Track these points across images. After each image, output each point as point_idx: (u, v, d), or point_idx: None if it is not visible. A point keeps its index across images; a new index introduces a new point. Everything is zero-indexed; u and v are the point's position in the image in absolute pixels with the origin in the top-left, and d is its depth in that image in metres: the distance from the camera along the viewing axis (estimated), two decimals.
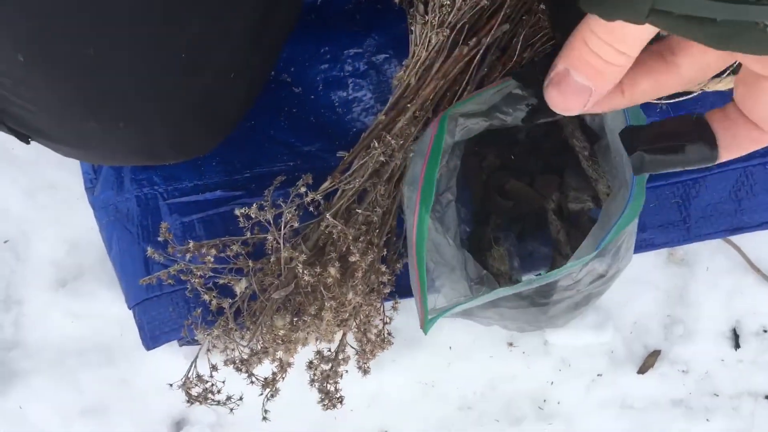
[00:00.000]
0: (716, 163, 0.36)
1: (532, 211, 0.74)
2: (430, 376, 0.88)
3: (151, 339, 0.81)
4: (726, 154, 0.35)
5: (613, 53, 0.31)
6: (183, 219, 0.81)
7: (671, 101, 0.75)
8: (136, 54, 0.57)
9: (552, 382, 0.88)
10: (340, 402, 0.65)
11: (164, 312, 0.80)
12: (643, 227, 0.79)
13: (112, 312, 0.87)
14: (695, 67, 0.34)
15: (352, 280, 0.63)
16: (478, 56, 0.75)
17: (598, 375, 0.87)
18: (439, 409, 0.88)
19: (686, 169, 0.36)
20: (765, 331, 0.86)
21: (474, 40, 0.74)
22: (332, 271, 0.63)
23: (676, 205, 0.79)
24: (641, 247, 0.80)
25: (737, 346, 0.86)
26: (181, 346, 0.82)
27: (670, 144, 0.35)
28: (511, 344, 0.87)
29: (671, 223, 0.79)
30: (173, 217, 0.81)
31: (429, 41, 0.73)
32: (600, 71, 0.32)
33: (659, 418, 0.87)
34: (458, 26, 0.73)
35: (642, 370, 0.87)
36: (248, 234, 0.71)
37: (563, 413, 0.88)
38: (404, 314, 0.86)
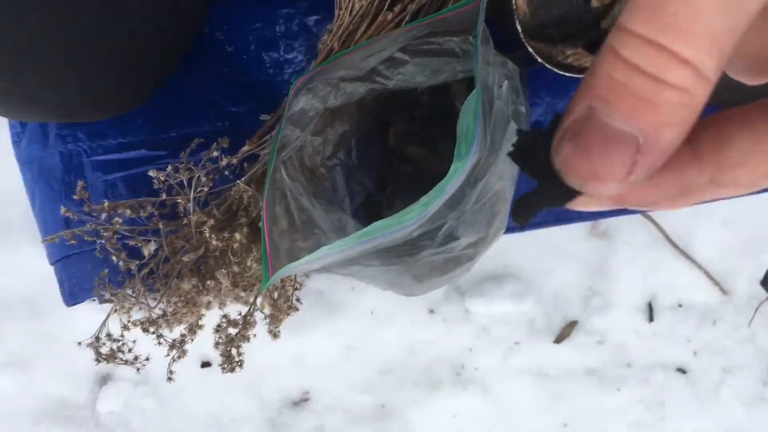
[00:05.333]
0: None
1: (434, 178, 0.75)
2: (351, 339, 0.90)
3: (71, 295, 0.81)
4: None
5: (674, 64, 0.17)
6: (106, 177, 0.80)
7: None
8: (45, 10, 0.56)
9: (471, 349, 0.89)
10: (240, 366, 0.66)
11: (83, 269, 0.80)
12: None
13: (37, 267, 0.87)
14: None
15: (257, 248, 0.63)
16: (404, 23, 0.74)
17: (515, 343, 0.89)
18: (360, 372, 0.90)
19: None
20: (680, 306, 0.88)
21: (399, 6, 0.73)
22: (238, 236, 0.63)
23: None
24: (558, 220, 0.81)
25: (651, 319, 0.88)
26: (101, 303, 0.83)
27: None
28: (432, 311, 0.89)
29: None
30: (96, 174, 0.80)
31: (352, 5, 0.72)
32: (651, 101, 0.17)
33: (573, 386, 0.90)
34: None
35: (558, 340, 0.89)
36: (164, 196, 0.71)
37: (480, 379, 0.90)
38: (328, 278, 0.87)
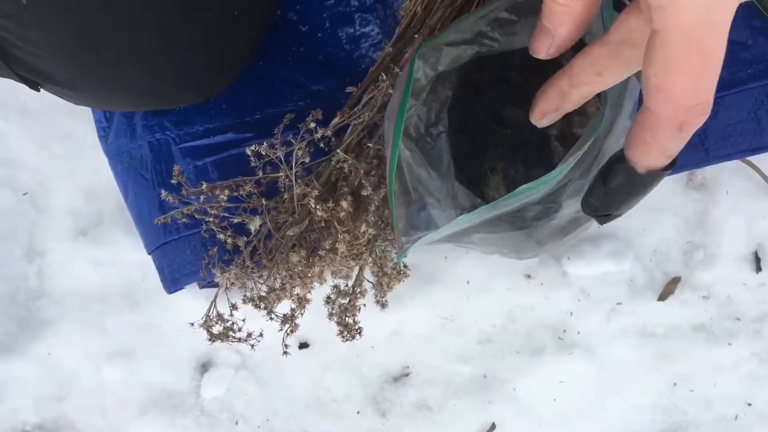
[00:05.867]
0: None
1: (533, 139, 0.73)
2: (449, 310, 0.88)
3: (171, 282, 0.82)
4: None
5: None
6: (196, 162, 0.81)
7: None
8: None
9: (571, 313, 0.88)
10: (359, 333, 0.66)
11: (182, 255, 0.81)
12: None
13: (132, 258, 0.89)
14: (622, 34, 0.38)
15: (366, 214, 0.63)
16: None
17: (617, 304, 0.87)
18: (459, 343, 0.89)
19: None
20: None
21: None
22: (344, 204, 0.63)
23: None
24: None
25: (759, 269, 0.85)
26: (201, 288, 0.83)
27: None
28: (528, 276, 0.87)
29: (689, 145, 0.77)
30: (186, 161, 0.81)
31: None
32: (552, 11, 0.38)
33: (681, 344, 0.87)
34: None
35: (662, 297, 0.86)
36: (260, 173, 0.71)
37: (583, 343, 0.88)
38: (420, 251, 0.86)
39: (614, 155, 0.38)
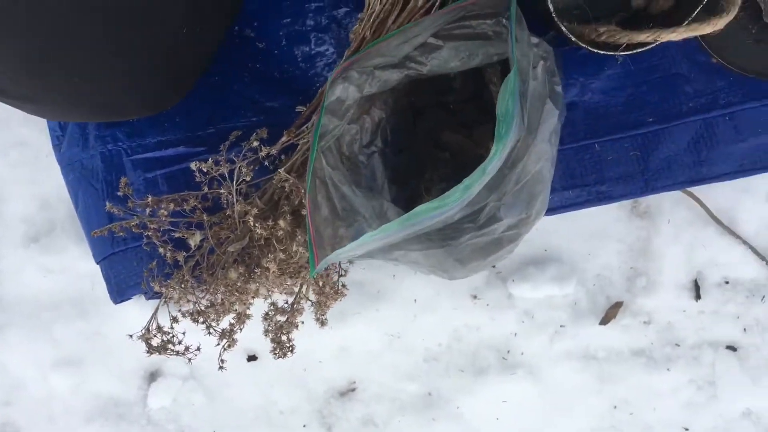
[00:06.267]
0: None
1: (470, 163, 0.75)
2: (396, 327, 0.90)
3: (118, 293, 0.83)
4: None
5: None
6: (146, 175, 0.82)
7: (629, 53, 0.74)
8: (84, 10, 0.58)
9: (515, 334, 0.89)
10: (291, 351, 0.67)
11: (129, 266, 0.81)
12: (601, 180, 0.80)
13: (83, 266, 0.89)
14: None
15: (302, 233, 0.64)
16: (434, 9, 0.74)
17: (561, 326, 0.89)
18: (405, 361, 0.90)
19: None
20: (726, 283, 0.87)
21: None
22: (282, 223, 0.64)
23: (635, 158, 0.80)
24: (599, 199, 0.80)
25: (698, 297, 0.87)
26: (148, 299, 0.84)
27: None
28: (475, 296, 0.88)
29: (629, 176, 0.80)
30: (137, 172, 0.82)
31: None
32: None
33: (622, 368, 0.89)
34: None
35: (604, 322, 0.88)
36: (206, 189, 0.72)
37: (527, 364, 0.89)
38: (369, 268, 0.87)
39: None
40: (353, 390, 0.91)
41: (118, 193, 0.73)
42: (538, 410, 0.90)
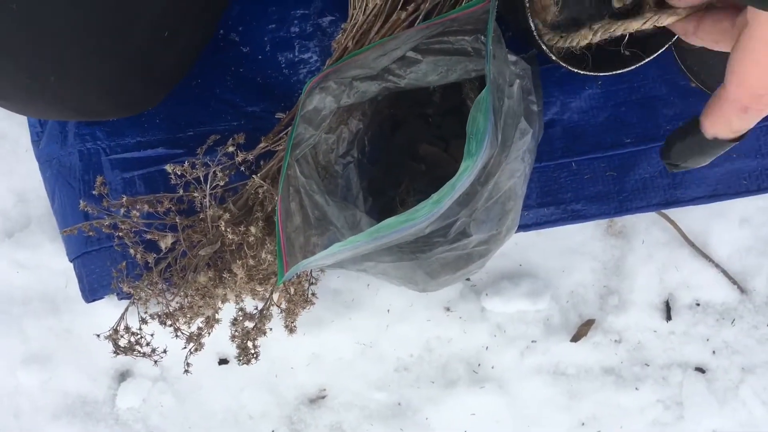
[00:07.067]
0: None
1: (446, 176, 0.75)
2: (369, 336, 0.90)
3: (90, 292, 0.82)
4: None
5: None
6: (124, 175, 0.82)
7: (609, 74, 0.75)
8: (60, 8, 0.57)
9: (487, 347, 0.89)
10: (255, 357, 0.67)
11: (103, 266, 0.81)
12: (576, 198, 0.80)
13: (57, 263, 0.89)
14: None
15: (272, 241, 0.64)
16: (417, 22, 0.75)
17: (532, 342, 0.89)
18: (377, 370, 0.91)
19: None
20: (697, 305, 0.87)
21: (412, 5, 0.74)
22: (253, 229, 0.64)
23: (611, 178, 0.80)
24: (573, 218, 0.81)
25: (669, 318, 0.88)
26: (120, 300, 0.84)
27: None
28: (448, 309, 0.89)
29: (604, 195, 0.80)
30: (114, 172, 0.82)
31: (366, 5, 0.73)
32: None
33: (591, 385, 0.89)
34: None
35: (575, 339, 0.88)
36: (181, 191, 0.72)
37: (497, 378, 0.90)
38: (345, 276, 0.87)
39: (694, 120, 0.47)
40: (323, 397, 0.91)
41: (93, 192, 0.73)
42: (506, 424, 0.91)
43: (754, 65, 0.40)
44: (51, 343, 0.90)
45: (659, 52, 0.67)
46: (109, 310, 0.87)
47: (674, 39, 0.68)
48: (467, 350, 0.90)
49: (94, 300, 0.83)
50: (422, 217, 0.55)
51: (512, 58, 0.65)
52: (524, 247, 0.88)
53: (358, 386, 0.91)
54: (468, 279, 0.88)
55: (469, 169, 0.54)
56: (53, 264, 0.89)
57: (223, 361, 0.91)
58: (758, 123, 0.78)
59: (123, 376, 0.92)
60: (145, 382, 0.91)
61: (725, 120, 0.44)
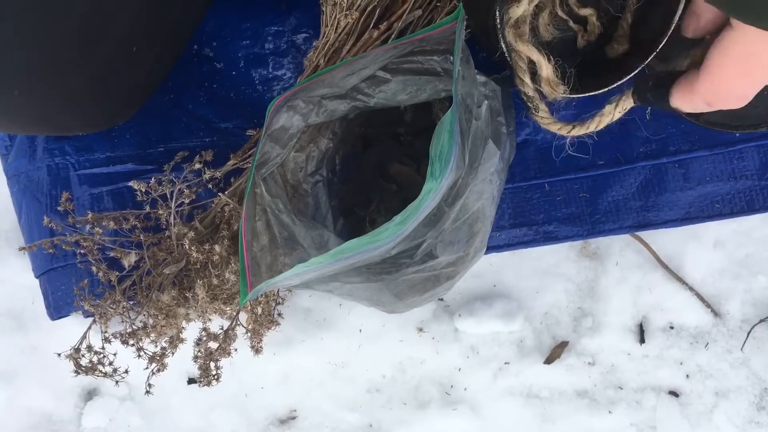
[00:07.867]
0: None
1: (417, 195, 0.74)
2: (340, 357, 0.89)
3: (55, 309, 0.81)
4: None
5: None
6: (92, 190, 0.80)
7: (581, 95, 0.74)
8: (24, 22, 0.57)
9: (460, 369, 0.88)
10: (216, 379, 0.66)
11: (68, 283, 0.80)
12: (549, 220, 0.80)
13: (23, 279, 0.87)
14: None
15: (236, 260, 0.63)
16: (390, 41, 0.74)
17: (505, 363, 0.88)
18: (348, 390, 0.89)
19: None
20: (671, 327, 0.87)
21: (385, 24, 0.74)
22: (218, 248, 0.63)
23: (584, 199, 0.80)
24: (546, 239, 0.80)
25: (642, 341, 0.87)
26: (85, 317, 0.82)
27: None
28: (421, 329, 0.88)
29: (577, 217, 0.80)
30: (83, 188, 0.81)
31: (338, 23, 0.73)
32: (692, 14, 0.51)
33: (564, 408, 0.88)
34: (368, 9, 0.73)
35: (549, 361, 0.88)
36: (148, 208, 0.71)
37: (470, 399, 0.89)
38: (317, 296, 0.86)
39: (669, 78, 0.52)
40: (294, 418, 0.90)
41: (59, 208, 0.72)
42: None
43: (725, 66, 0.44)
44: (16, 360, 0.89)
45: (633, 74, 0.66)
46: (75, 327, 0.85)
47: (648, 60, 0.68)
48: (440, 371, 0.89)
49: (59, 317, 0.81)
50: (386, 238, 0.54)
51: (482, 78, 0.65)
52: (498, 267, 0.87)
53: (328, 407, 0.90)
54: (441, 299, 0.87)
55: (433, 192, 0.54)
56: (20, 279, 0.88)
57: (192, 381, 0.89)
58: (729, 148, 0.78)
59: (90, 394, 0.90)
60: (112, 401, 0.89)
61: (690, 104, 0.50)
